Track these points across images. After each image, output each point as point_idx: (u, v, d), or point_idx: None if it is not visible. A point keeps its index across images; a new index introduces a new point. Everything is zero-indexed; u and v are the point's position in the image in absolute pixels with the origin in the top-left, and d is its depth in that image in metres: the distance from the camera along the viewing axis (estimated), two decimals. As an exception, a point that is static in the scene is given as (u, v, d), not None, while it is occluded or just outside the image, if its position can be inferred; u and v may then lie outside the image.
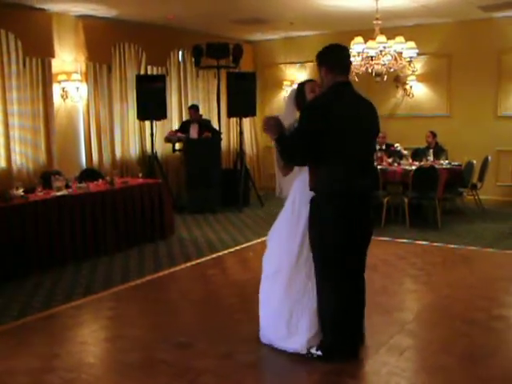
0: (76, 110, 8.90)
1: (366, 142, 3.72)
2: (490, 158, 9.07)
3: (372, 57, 8.00)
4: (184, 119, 10.36)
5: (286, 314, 3.88)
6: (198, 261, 6.56)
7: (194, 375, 3.64)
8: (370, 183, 3.73)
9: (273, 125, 3.65)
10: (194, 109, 9.80)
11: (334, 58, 3.70)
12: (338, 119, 3.51)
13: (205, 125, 9.75)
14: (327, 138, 3.49)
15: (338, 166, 3.56)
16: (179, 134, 9.68)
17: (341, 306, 3.70)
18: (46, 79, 8.32)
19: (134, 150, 9.76)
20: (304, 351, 3.82)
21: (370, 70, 8.21)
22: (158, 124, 9.79)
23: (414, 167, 8.25)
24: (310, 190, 3.69)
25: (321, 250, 3.67)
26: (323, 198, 3.62)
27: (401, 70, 8.73)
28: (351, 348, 3.79)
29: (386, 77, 8.46)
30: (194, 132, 9.63)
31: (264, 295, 4.11)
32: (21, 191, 6.36)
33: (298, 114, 3.84)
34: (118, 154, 9.48)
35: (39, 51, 8.22)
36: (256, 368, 3.77)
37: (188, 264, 6.43)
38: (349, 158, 3.56)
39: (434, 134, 9.29)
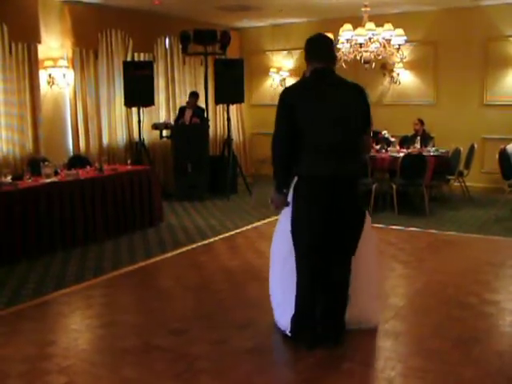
0: (62, 97, 8.78)
1: (341, 128, 3.62)
2: (475, 145, 9.14)
3: (361, 44, 8.01)
4: (171, 106, 10.37)
5: (279, 294, 4.01)
6: (189, 247, 6.55)
7: (190, 361, 3.65)
8: (334, 168, 3.61)
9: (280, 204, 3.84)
10: (193, 96, 9.80)
11: (313, 47, 3.76)
12: (306, 105, 3.57)
13: (196, 111, 9.74)
14: (297, 124, 3.57)
15: (306, 151, 3.60)
16: (166, 121, 9.66)
17: (301, 292, 3.76)
18: (32, 65, 8.17)
19: (121, 137, 9.68)
20: (287, 331, 3.91)
21: (358, 58, 8.22)
22: (145, 111, 9.72)
23: (401, 154, 8.30)
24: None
25: (292, 233, 3.76)
26: (296, 182, 3.72)
27: (389, 57, 8.75)
28: (307, 338, 3.79)
29: (374, 64, 8.48)
30: (187, 117, 9.69)
31: (270, 276, 4.19)
32: (9, 178, 6.30)
33: None
34: (105, 140, 9.39)
35: (25, 37, 8.05)
36: (252, 354, 3.76)
37: (179, 251, 6.42)
38: (317, 143, 3.60)
39: (421, 122, 9.33)
